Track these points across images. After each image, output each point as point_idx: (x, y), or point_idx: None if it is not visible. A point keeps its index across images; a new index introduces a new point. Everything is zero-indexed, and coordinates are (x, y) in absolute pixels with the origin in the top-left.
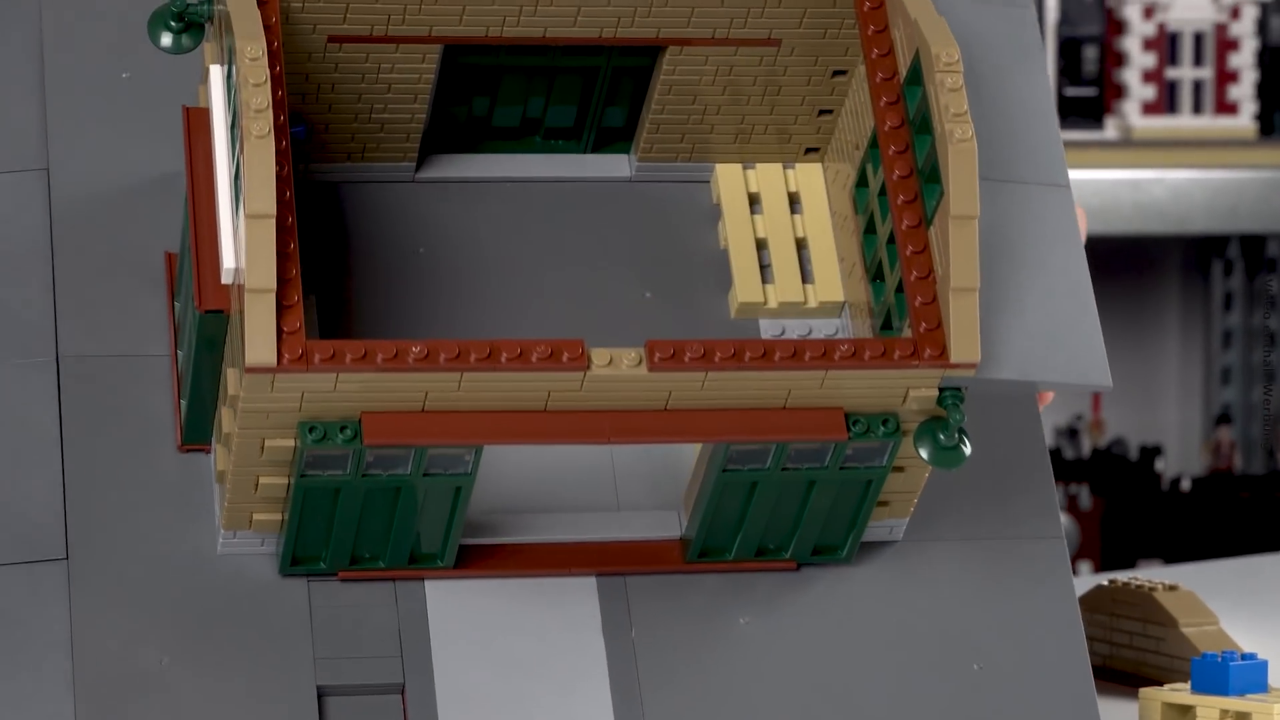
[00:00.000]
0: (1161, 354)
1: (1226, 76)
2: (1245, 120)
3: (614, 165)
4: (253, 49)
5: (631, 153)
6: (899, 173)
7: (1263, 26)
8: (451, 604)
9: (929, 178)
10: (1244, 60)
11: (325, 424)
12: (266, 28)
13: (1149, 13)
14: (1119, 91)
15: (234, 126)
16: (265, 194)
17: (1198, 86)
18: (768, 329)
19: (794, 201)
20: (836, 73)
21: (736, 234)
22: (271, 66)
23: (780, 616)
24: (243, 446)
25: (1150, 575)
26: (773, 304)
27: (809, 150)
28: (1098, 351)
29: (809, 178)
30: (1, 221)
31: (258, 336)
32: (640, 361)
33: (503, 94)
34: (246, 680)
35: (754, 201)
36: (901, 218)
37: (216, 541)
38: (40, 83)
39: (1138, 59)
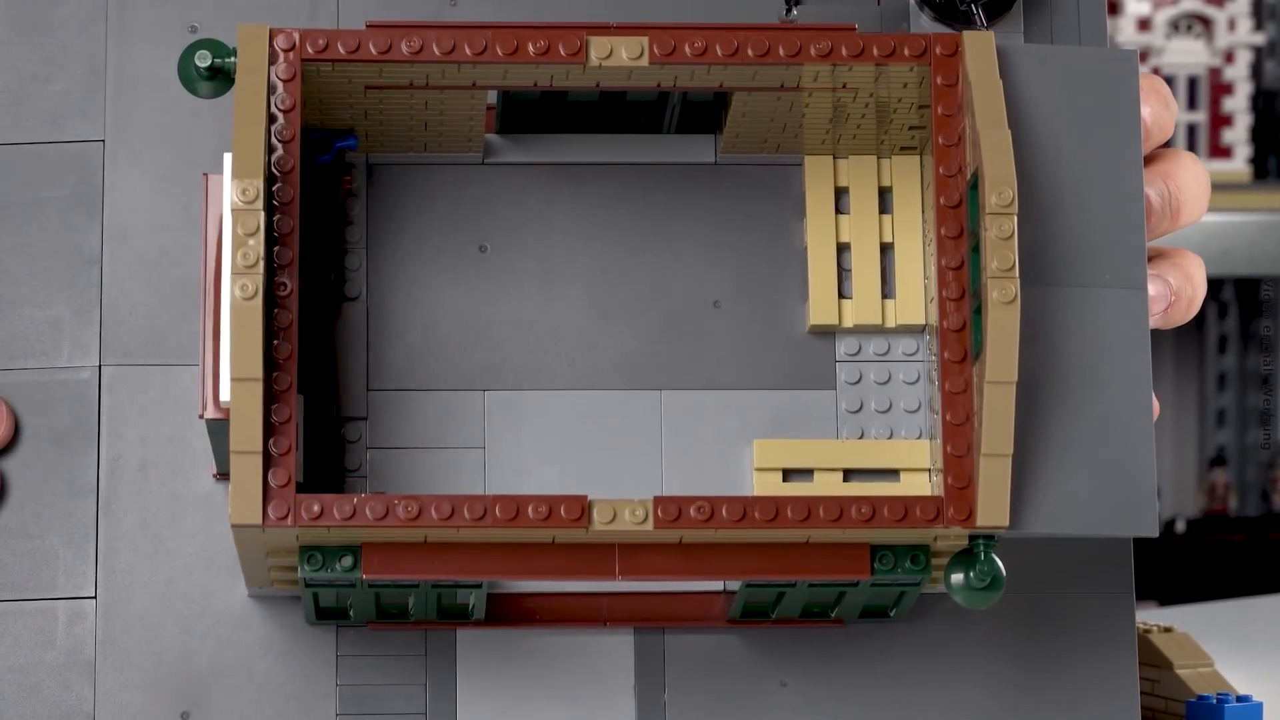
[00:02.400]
0: (1156, 396)
1: (1220, 120)
2: (1239, 164)
3: (698, 148)
4: (248, 190)
5: (716, 136)
6: (948, 294)
7: (1257, 70)
8: (482, 656)
9: (979, 309)
10: (1238, 104)
11: (325, 551)
12: (286, 111)
13: (1143, 57)
14: None
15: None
16: (250, 360)
17: (1192, 130)
18: (844, 344)
19: (884, 195)
20: (923, 106)
21: (817, 241)
22: (281, 195)
23: (824, 679)
24: (245, 554)
25: (1145, 617)
26: (849, 323)
27: (904, 148)
28: (1146, 495)
29: (904, 171)
30: (56, 200)
31: (242, 496)
32: (645, 518)
33: None
34: None
35: (842, 195)
36: (945, 347)
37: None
38: (103, 38)
39: None
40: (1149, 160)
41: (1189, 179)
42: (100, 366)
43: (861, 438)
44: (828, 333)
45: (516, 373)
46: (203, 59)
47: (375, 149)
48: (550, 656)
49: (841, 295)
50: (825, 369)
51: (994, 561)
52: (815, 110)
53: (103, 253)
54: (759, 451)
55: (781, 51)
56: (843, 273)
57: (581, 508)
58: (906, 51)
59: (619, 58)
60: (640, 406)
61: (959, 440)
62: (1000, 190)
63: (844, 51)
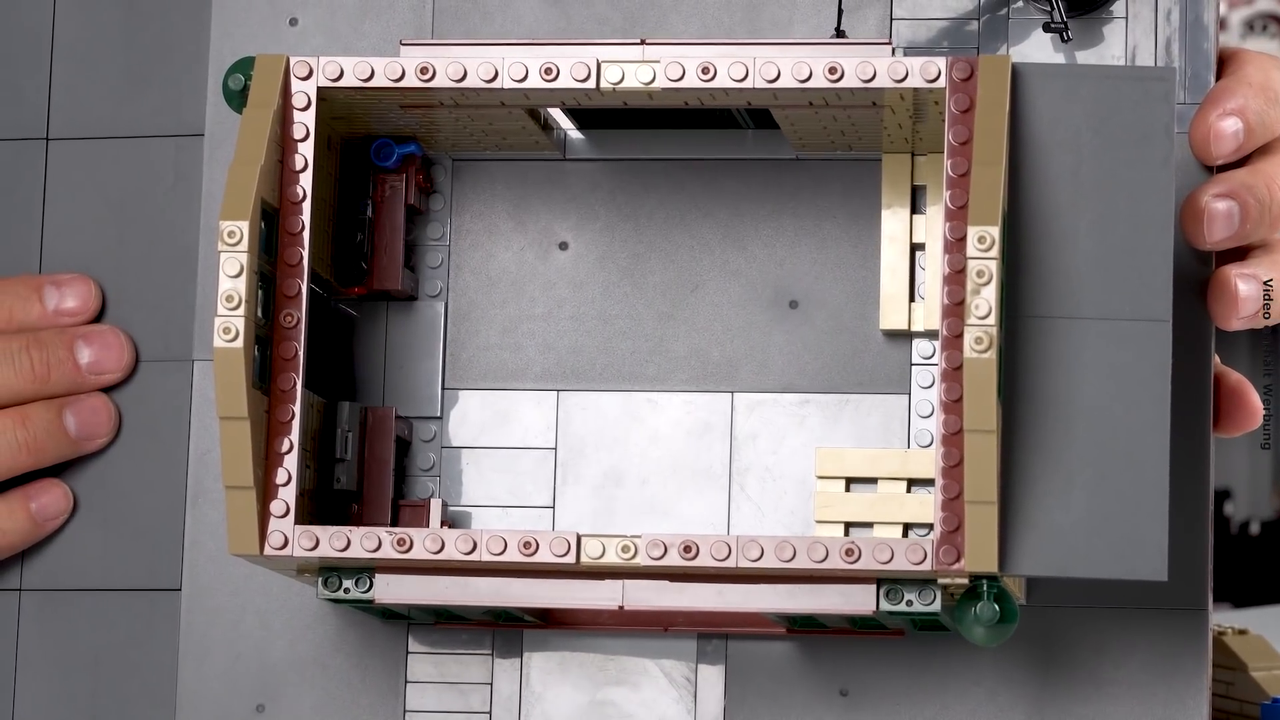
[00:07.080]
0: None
1: None
2: None
3: (778, 144)
4: (234, 233)
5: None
6: (949, 331)
7: None
8: (547, 657)
9: None
10: None
11: (342, 573)
12: (300, 140)
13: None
14: None
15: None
16: (235, 400)
17: None
18: (920, 347)
19: None
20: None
21: (891, 243)
22: (290, 225)
23: (884, 688)
24: (278, 571)
25: (1220, 619)
26: (919, 326)
27: None
28: (1155, 537)
29: None
30: (157, 188)
31: (238, 527)
32: (634, 554)
33: None
34: None
35: (919, 194)
36: (944, 385)
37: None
38: (206, 32)
39: None
40: (1251, 159)
41: None
42: (194, 361)
43: (930, 444)
44: (903, 335)
45: (590, 373)
46: (236, 83)
47: (454, 148)
48: (615, 659)
49: (916, 297)
50: (900, 372)
51: (1003, 598)
52: (866, 117)
53: (200, 247)
54: (820, 460)
55: (792, 75)
56: (919, 272)
57: (568, 545)
58: (921, 76)
59: (631, 82)
60: (712, 408)
61: (952, 483)
62: (981, 233)
63: (857, 76)
